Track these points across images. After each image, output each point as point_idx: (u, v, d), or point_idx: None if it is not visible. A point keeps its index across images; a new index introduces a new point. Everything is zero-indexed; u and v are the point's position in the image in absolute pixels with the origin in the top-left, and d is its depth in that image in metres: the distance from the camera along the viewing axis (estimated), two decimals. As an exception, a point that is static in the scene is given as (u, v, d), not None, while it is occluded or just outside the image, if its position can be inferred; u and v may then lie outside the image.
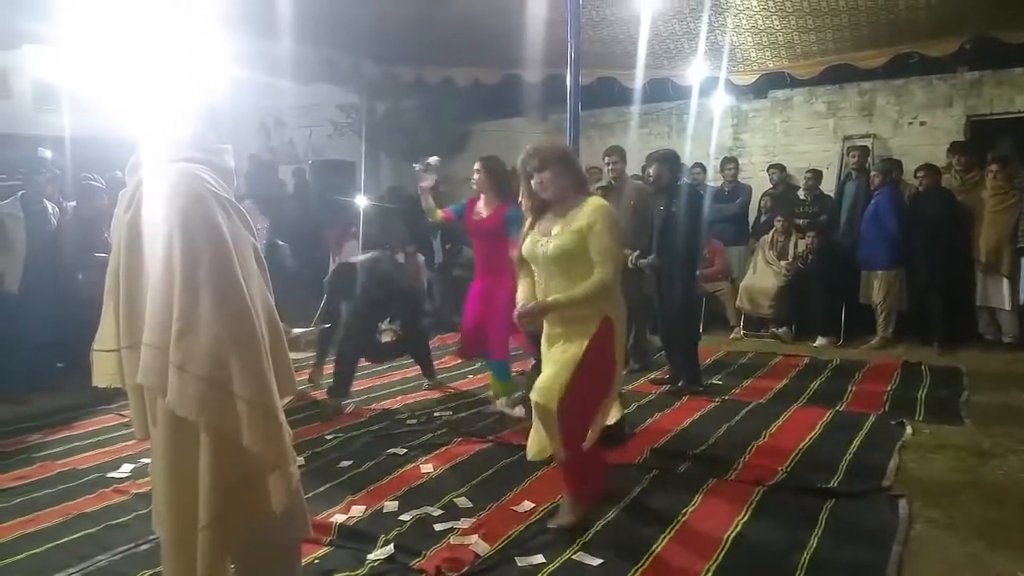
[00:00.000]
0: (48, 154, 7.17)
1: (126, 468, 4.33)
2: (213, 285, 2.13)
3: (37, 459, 4.54)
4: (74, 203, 6.49)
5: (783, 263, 8.20)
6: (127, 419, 5.28)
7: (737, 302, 8.42)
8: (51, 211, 6.28)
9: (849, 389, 6.00)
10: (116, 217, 2.40)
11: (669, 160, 5.94)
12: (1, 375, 5.99)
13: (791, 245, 8.27)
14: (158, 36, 5.22)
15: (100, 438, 4.97)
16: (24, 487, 4.06)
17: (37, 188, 6.25)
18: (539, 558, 3.16)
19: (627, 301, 3.56)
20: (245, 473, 2.17)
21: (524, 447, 3.76)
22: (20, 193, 6.12)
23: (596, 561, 3.13)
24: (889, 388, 6.00)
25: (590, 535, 3.37)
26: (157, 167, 2.27)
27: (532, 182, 3.44)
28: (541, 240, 3.41)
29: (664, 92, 9.50)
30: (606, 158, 6.61)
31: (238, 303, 2.16)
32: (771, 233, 8.41)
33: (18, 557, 3.24)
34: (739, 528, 3.45)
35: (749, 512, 3.62)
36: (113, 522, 3.56)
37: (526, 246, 3.48)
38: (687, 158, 9.06)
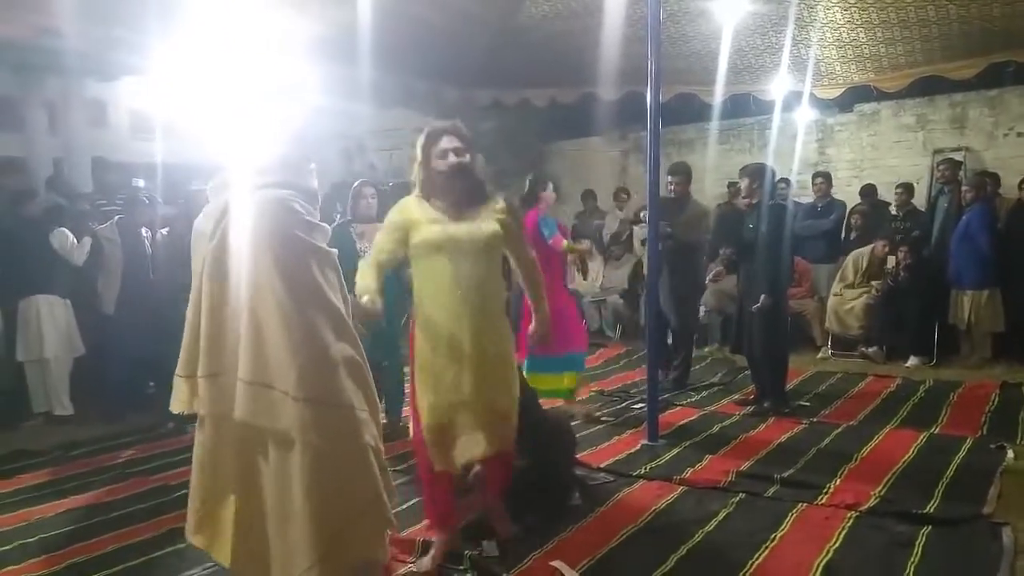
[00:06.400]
0: (141, 183, 7.47)
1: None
2: (324, 318, 2.23)
3: (130, 474, 4.69)
4: (167, 229, 6.72)
5: (874, 282, 7.94)
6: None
7: (825, 322, 8.18)
8: (145, 235, 6.50)
9: (944, 411, 5.77)
10: (195, 242, 2.45)
11: (757, 174, 5.73)
12: (97, 393, 6.22)
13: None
14: (246, 66, 5.40)
15: (190, 455, 5.07)
16: (119, 501, 4.20)
17: (135, 216, 6.47)
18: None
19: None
20: (345, 514, 2.21)
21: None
22: (117, 218, 6.36)
23: (681, 586, 3.06)
24: (987, 410, 5.75)
25: (673, 561, 3.29)
26: (245, 194, 2.30)
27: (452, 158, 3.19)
28: (456, 226, 3.14)
29: (746, 107, 9.36)
30: (669, 177, 6.51)
31: (349, 332, 2.26)
32: (869, 251, 8.11)
33: (113, 570, 3.34)
34: (830, 555, 3.33)
35: (841, 538, 3.49)
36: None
37: (435, 232, 3.11)
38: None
